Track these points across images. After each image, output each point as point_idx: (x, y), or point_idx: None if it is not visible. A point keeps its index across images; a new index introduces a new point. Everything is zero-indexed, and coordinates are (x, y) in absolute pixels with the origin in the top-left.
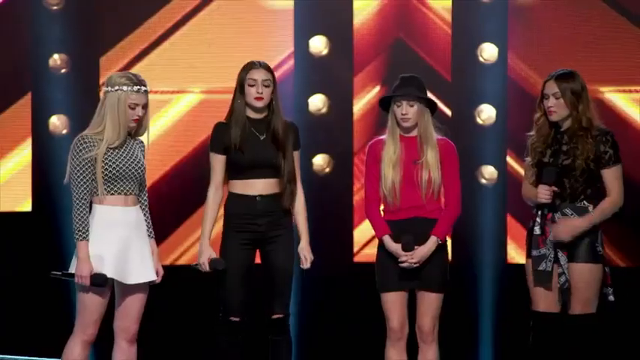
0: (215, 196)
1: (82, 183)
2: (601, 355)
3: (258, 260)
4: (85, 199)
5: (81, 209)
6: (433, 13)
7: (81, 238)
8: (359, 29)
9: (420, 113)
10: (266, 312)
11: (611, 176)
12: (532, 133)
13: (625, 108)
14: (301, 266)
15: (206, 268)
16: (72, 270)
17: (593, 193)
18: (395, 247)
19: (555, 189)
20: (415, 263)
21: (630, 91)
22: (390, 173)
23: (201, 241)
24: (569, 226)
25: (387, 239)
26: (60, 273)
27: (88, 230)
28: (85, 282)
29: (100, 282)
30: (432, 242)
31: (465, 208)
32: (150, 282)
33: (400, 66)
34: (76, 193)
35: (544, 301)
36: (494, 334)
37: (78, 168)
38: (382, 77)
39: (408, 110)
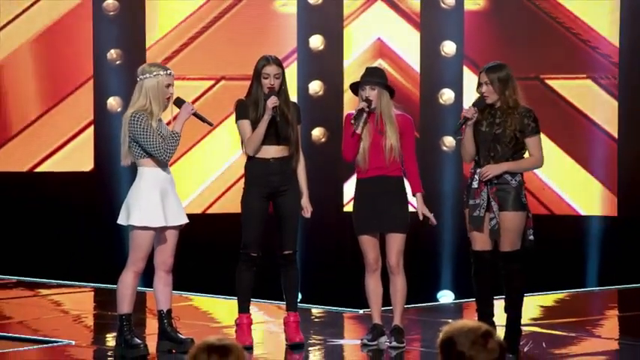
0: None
1: (156, 136)
2: (524, 280)
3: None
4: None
5: (163, 144)
6: (405, 17)
7: (176, 136)
8: (348, 30)
9: (380, 95)
10: (278, 249)
11: (533, 143)
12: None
13: (555, 91)
14: (303, 215)
15: (273, 102)
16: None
17: (518, 158)
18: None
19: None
20: (432, 222)
21: (557, 78)
22: (360, 142)
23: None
24: (495, 165)
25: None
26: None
27: (177, 132)
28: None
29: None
30: (419, 198)
31: (429, 170)
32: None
33: (379, 58)
34: (154, 146)
35: (480, 241)
36: (453, 265)
37: (149, 131)
38: (366, 67)
39: (370, 93)
